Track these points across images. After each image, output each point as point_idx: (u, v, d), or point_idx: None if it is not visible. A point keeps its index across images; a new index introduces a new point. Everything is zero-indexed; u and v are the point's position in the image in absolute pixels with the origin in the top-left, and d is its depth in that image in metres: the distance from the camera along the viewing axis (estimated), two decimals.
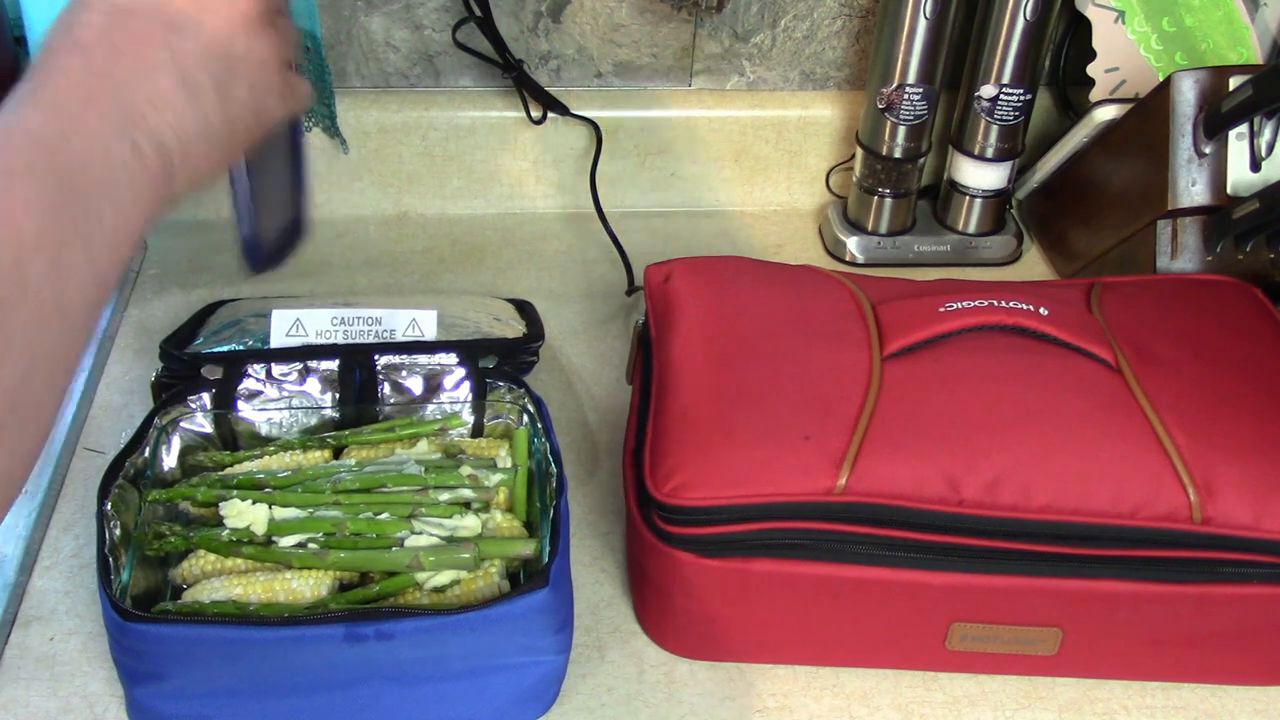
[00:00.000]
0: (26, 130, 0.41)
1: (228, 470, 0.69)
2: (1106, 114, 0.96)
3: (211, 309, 0.83)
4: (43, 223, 0.39)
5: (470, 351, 0.75)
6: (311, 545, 0.64)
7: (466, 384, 0.74)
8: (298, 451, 0.70)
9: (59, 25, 0.46)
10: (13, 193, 0.39)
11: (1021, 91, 0.94)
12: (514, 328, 0.81)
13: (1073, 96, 1.04)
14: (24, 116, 0.42)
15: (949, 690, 0.67)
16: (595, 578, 0.72)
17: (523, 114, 1.00)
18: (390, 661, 0.58)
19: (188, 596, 0.63)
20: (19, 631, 0.68)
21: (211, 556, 0.64)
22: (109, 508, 0.62)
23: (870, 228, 1.01)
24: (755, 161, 1.05)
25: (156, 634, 0.57)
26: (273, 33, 0.51)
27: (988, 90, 0.94)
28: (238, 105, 0.49)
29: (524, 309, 0.85)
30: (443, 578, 0.62)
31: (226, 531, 0.64)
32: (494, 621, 0.58)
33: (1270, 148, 0.86)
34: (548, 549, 0.62)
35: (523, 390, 0.72)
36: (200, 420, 0.71)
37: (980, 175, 0.98)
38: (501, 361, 0.76)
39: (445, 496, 0.65)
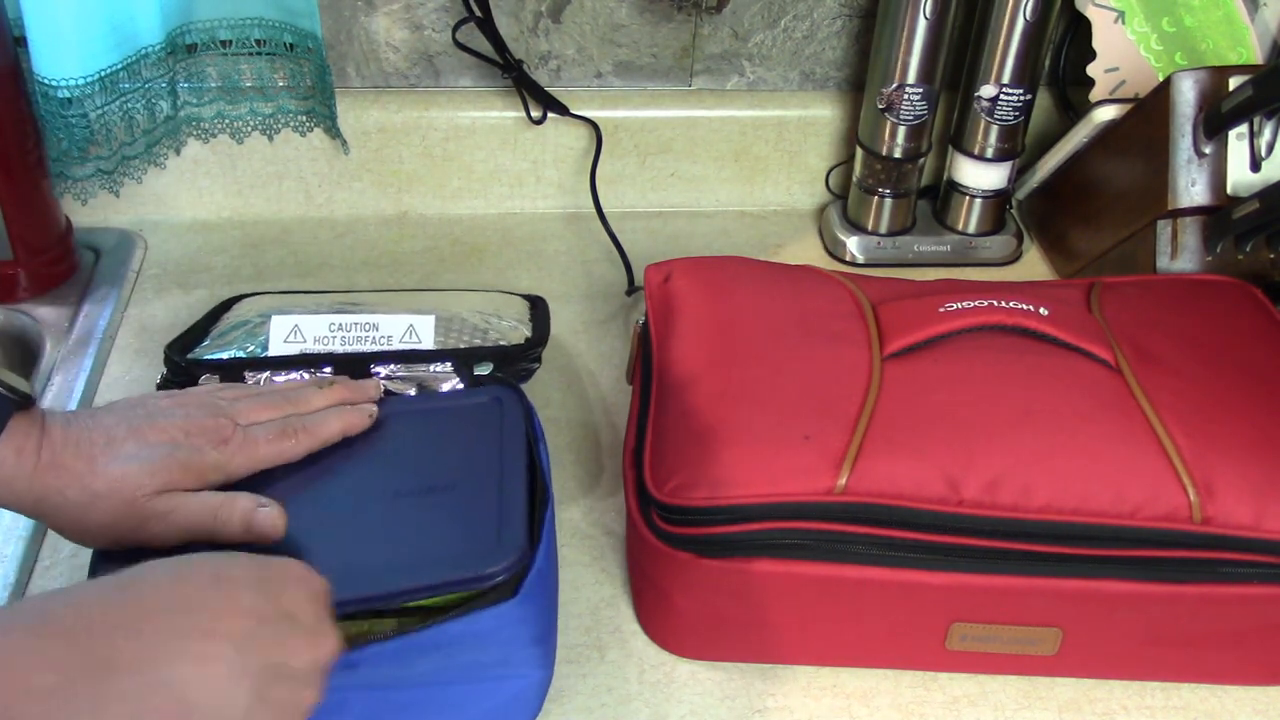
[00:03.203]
0: (89, 615, 0.42)
1: None
2: (1106, 114, 0.96)
3: (228, 305, 0.82)
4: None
5: (466, 359, 0.74)
6: None
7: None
8: None
9: (174, 567, 0.47)
10: (47, 655, 0.40)
11: (1021, 91, 0.94)
12: (519, 330, 0.80)
13: (1073, 96, 1.04)
14: (93, 604, 0.43)
15: (949, 690, 0.67)
16: (595, 578, 0.73)
17: (523, 114, 1.00)
18: (359, 681, 0.58)
19: None
20: None
21: None
22: None
23: (870, 228, 1.01)
24: (755, 161, 1.05)
25: None
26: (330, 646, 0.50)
27: (988, 90, 0.94)
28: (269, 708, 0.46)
29: (536, 306, 0.84)
30: None
31: None
32: (458, 637, 0.57)
33: (1270, 148, 0.86)
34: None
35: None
36: None
37: (980, 175, 0.98)
38: (498, 368, 0.76)
39: None
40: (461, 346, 0.76)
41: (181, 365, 0.74)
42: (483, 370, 0.75)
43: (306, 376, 0.73)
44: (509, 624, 0.58)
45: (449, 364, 0.74)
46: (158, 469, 0.57)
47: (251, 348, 0.76)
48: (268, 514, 0.57)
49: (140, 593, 0.44)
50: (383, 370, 0.74)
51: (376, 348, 0.76)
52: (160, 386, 0.75)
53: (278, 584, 0.48)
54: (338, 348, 0.76)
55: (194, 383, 0.73)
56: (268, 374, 0.73)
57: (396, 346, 0.76)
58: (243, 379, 0.72)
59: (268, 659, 0.45)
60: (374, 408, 0.66)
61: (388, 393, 0.73)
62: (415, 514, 0.61)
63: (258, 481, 0.61)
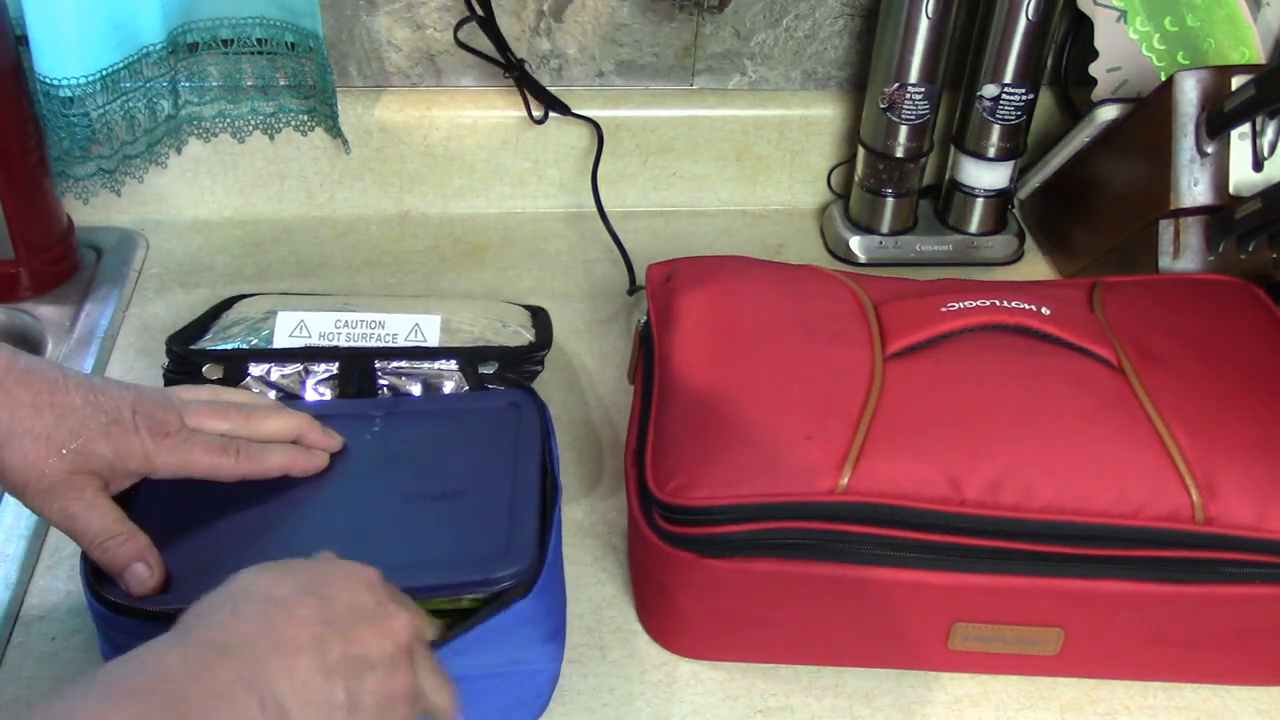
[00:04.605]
0: (160, 662, 0.43)
1: None
2: (1108, 114, 0.96)
3: (229, 303, 0.83)
4: None
5: (470, 358, 0.75)
6: None
7: (464, 390, 0.74)
8: None
9: (229, 589, 0.48)
10: (127, 710, 0.40)
11: (1024, 91, 0.94)
12: (522, 335, 0.80)
13: (1075, 96, 1.04)
14: (162, 651, 0.44)
15: (951, 690, 0.67)
16: (597, 577, 0.72)
17: (524, 113, 1.00)
18: None
19: None
20: (21, 630, 0.68)
21: None
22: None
23: (872, 227, 1.01)
24: (757, 161, 1.05)
25: (139, 629, 0.56)
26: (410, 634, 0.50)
27: (990, 90, 0.94)
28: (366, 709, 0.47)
29: (537, 316, 0.85)
30: None
31: None
32: (473, 641, 0.57)
33: (1273, 147, 0.86)
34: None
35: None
36: None
37: (982, 175, 0.98)
38: (502, 368, 0.76)
39: None
40: (466, 346, 0.76)
41: (183, 356, 0.74)
42: (487, 370, 0.75)
43: (316, 369, 0.73)
44: (523, 623, 0.58)
45: (454, 362, 0.74)
46: (88, 430, 0.55)
47: (255, 341, 0.76)
48: (140, 574, 0.56)
49: (204, 639, 0.45)
50: (387, 365, 0.74)
51: (381, 344, 0.76)
52: (164, 378, 0.75)
53: (325, 586, 0.48)
54: (342, 343, 0.76)
55: (197, 373, 0.73)
56: (270, 366, 0.73)
57: (402, 344, 0.76)
58: (246, 370, 0.73)
59: (346, 653, 0.46)
60: (326, 456, 0.65)
61: (396, 393, 0.73)
62: (425, 518, 0.61)
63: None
